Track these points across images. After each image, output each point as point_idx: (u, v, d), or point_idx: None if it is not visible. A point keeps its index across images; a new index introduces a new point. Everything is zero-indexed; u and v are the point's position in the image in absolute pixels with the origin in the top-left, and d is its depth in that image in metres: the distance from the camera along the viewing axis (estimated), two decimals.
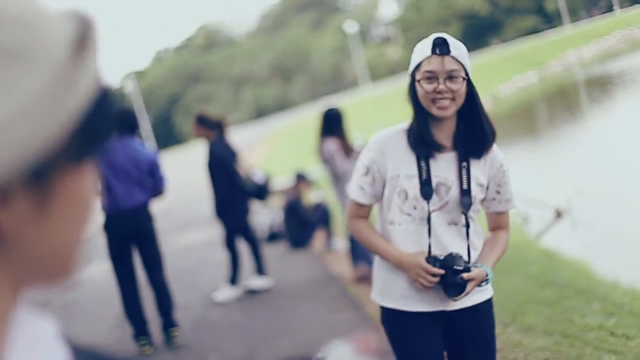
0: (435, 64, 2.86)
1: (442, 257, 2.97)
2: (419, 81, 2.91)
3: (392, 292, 3.08)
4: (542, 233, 12.65)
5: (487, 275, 3.03)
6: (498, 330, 5.78)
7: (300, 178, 11.27)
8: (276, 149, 35.19)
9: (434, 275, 2.94)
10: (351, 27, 58.87)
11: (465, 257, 3.02)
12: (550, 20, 69.20)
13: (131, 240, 6.92)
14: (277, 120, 65.83)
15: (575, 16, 58.30)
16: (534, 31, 67.42)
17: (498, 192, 3.17)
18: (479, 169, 3.04)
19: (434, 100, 2.87)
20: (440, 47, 2.86)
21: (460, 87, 2.90)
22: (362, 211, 3.14)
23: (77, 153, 0.69)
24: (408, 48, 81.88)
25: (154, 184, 6.89)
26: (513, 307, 6.13)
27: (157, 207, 7.32)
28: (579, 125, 22.87)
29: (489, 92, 40.83)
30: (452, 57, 2.87)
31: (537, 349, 5.13)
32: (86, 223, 0.75)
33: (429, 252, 2.99)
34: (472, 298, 3.05)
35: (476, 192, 3.05)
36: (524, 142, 23.21)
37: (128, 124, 6.86)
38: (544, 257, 9.25)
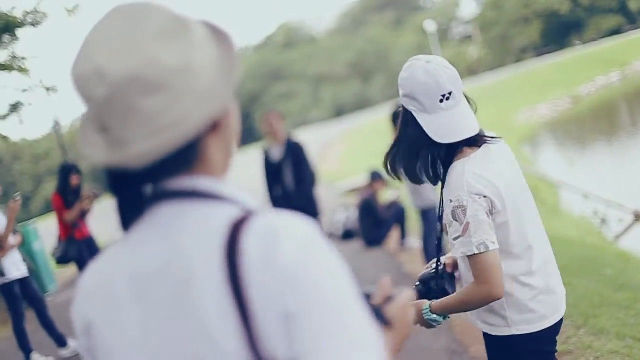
0: None
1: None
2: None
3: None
4: (620, 235, 12.47)
5: (425, 309, 2.87)
6: (570, 332, 5.77)
7: (376, 176, 11.30)
8: (354, 147, 35.20)
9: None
10: (431, 26, 58.55)
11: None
12: (633, 20, 67.75)
13: None
14: (356, 118, 65.78)
15: None
16: (616, 31, 66.09)
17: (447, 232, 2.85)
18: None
19: None
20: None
21: None
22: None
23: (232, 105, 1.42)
24: (487, 47, 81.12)
25: None
26: (586, 309, 6.08)
27: None
28: None
29: (569, 92, 40.29)
30: None
31: (608, 352, 5.10)
32: (235, 140, 1.44)
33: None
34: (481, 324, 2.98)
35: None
36: (603, 143, 22.83)
37: None
38: (620, 259, 9.12)
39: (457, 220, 2.69)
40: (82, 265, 9.88)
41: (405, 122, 2.84)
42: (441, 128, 2.73)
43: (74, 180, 9.70)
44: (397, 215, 10.76)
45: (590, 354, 5.15)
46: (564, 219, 14.68)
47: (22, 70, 14.64)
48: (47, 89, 15.36)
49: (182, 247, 1.30)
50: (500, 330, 2.89)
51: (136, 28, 1.27)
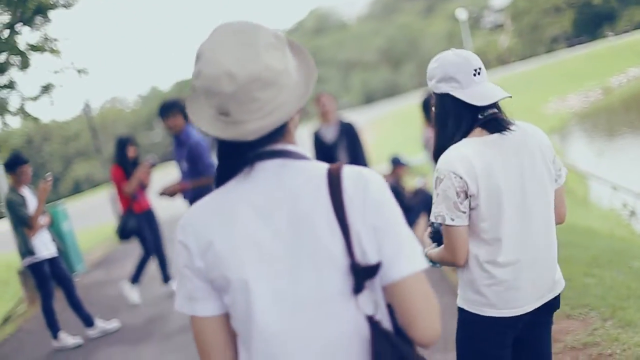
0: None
1: None
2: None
3: None
4: None
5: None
6: (597, 324, 5.74)
7: (396, 162, 11.15)
8: (384, 134, 35.17)
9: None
10: (462, 14, 58.17)
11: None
12: None
13: None
14: (386, 105, 65.63)
15: None
16: None
17: None
18: None
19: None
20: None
21: None
22: None
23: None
24: (519, 36, 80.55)
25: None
26: (613, 301, 6.04)
27: None
28: None
29: (600, 83, 39.95)
30: None
31: (635, 345, 5.06)
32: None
33: None
34: None
35: None
36: (633, 135, 22.64)
37: None
38: None
39: (435, 189, 3.00)
40: (142, 239, 10.02)
41: (442, 105, 3.09)
42: (478, 95, 2.98)
43: (131, 151, 9.90)
44: (424, 202, 10.70)
45: (617, 346, 5.12)
46: (592, 211, 14.59)
47: (53, 51, 14.71)
48: (79, 71, 15.41)
49: (293, 185, 1.92)
50: (457, 300, 3.18)
51: (252, 42, 1.85)
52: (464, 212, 2.93)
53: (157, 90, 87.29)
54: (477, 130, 3.01)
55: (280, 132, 1.96)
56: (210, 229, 1.91)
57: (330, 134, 8.79)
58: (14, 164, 8.65)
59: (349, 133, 8.78)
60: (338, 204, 1.87)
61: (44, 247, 8.61)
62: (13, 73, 14.85)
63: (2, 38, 13.52)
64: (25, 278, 11.80)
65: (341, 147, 8.68)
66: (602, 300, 5.98)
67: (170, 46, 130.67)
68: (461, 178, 2.89)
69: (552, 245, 3.09)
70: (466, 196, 2.92)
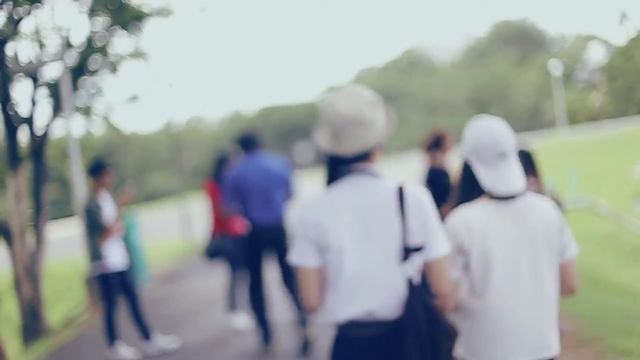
0: None
1: None
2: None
3: None
4: None
5: None
6: None
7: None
8: None
9: None
10: (556, 67, 57.50)
11: None
12: None
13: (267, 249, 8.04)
14: None
15: None
16: None
17: None
18: None
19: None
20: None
21: None
22: None
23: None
24: (611, 95, 79.11)
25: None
26: None
27: None
28: None
29: None
30: None
31: None
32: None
33: None
34: None
35: None
36: None
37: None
38: None
39: None
40: (234, 261, 9.76)
41: (465, 170, 3.62)
42: (496, 182, 3.46)
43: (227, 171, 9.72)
44: None
45: None
46: None
47: (142, 57, 14.85)
48: (170, 85, 15.53)
49: (372, 193, 3.19)
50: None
51: (356, 99, 3.20)
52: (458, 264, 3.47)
53: (239, 114, 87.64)
54: (486, 196, 3.52)
55: (366, 155, 3.24)
56: (321, 213, 3.22)
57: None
58: (97, 169, 8.69)
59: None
60: (402, 208, 3.17)
61: (116, 257, 8.62)
62: (102, 79, 15.03)
63: (96, 43, 13.70)
64: (91, 285, 11.85)
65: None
66: None
67: (257, 71, 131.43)
68: (455, 237, 3.43)
69: (543, 313, 3.45)
70: (460, 252, 3.44)
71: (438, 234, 3.23)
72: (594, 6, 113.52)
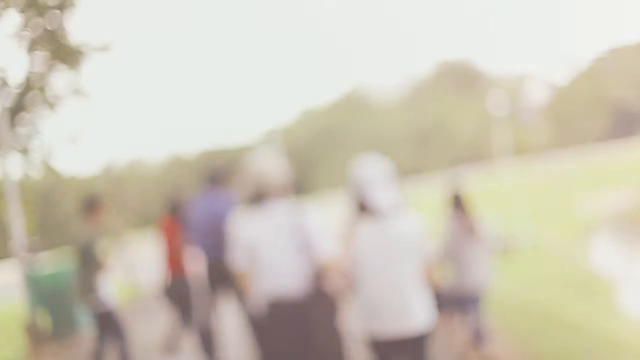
0: None
1: None
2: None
3: None
4: None
5: None
6: None
7: None
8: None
9: None
10: (497, 105, 58.23)
11: None
12: None
13: None
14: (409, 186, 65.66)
15: None
16: None
17: None
18: None
19: None
20: None
21: None
22: None
23: None
24: (553, 132, 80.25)
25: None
26: None
27: None
28: None
29: (636, 184, 39.07)
30: None
31: None
32: None
33: None
34: None
35: None
36: None
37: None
38: None
39: None
40: (185, 304, 9.41)
41: (355, 193, 5.46)
42: (367, 200, 5.36)
43: (182, 212, 9.60)
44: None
45: None
46: (623, 321, 14.10)
47: (82, 98, 14.57)
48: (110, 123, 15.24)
49: (281, 213, 5.29)
50: None
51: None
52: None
53: (179, 159, 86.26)
54: (367, 213, 5.36)
55: (280, 191, 5.21)
56: (249, 228, 5.18)
57: None
58: (91, 205, 8.77)
59: None
60: (296, 221, 5.23)
61: (108, 294, 8.70)
62: (40, 117, 14.68)
63: (35, 81, 13.41)
64: (32, 331, 11.44)
65: None
66: None
67: (199, 112, 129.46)
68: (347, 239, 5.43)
69: (403, 294, 5.22)
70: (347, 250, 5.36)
71: (322, 240, 5.23)
72: (535, 47, 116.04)
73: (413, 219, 5.37)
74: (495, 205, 23.27)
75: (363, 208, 5.36)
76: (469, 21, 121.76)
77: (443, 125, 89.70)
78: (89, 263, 8.45)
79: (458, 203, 7.79)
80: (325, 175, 75.80)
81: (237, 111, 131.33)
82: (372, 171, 5.37)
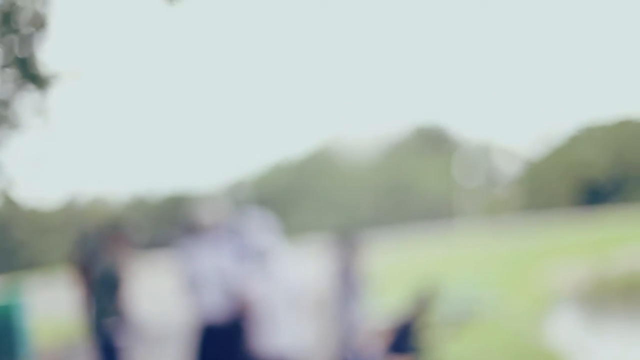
0: None
1: None
2: None
3: None
4: None
5: None
6: None
7: None
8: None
9: None
10: (465, 174, 58.66)
11: None
12: None
13: None
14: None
15: None
16: None
17: None
18: None
19: None
20: None
21: None
22: None
23: None
24: (518, 201, 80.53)
25: None
26: None
27: None
28: None
29: (603, 256, 38.71)
30: None
31: None
32: None
33: None
34: None
35: None
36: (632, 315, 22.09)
37: None
38: None
39: None
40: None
41: None
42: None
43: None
44: None
45: None
46: None
47: (44, 117, 14.27)
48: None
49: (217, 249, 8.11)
50: None
51: (215, 210, 7.92)
52: None
53: (143, 201, 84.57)
54: None
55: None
56: (191, 266, 7.91)
57: None
58: (112, 232, 8.95)
59: None
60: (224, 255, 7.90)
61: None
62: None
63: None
64: None
65: None
66: None
67: (165, 156, 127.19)
68: None
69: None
70: None
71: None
72: (510, 119, 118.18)
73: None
74: (455, 272, 23.11)
75: None
76: (448, 87, 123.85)
77: (410, 189, 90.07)
78: (113, 288, 8.48)
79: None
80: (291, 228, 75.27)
81: (206, 159, 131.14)
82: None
